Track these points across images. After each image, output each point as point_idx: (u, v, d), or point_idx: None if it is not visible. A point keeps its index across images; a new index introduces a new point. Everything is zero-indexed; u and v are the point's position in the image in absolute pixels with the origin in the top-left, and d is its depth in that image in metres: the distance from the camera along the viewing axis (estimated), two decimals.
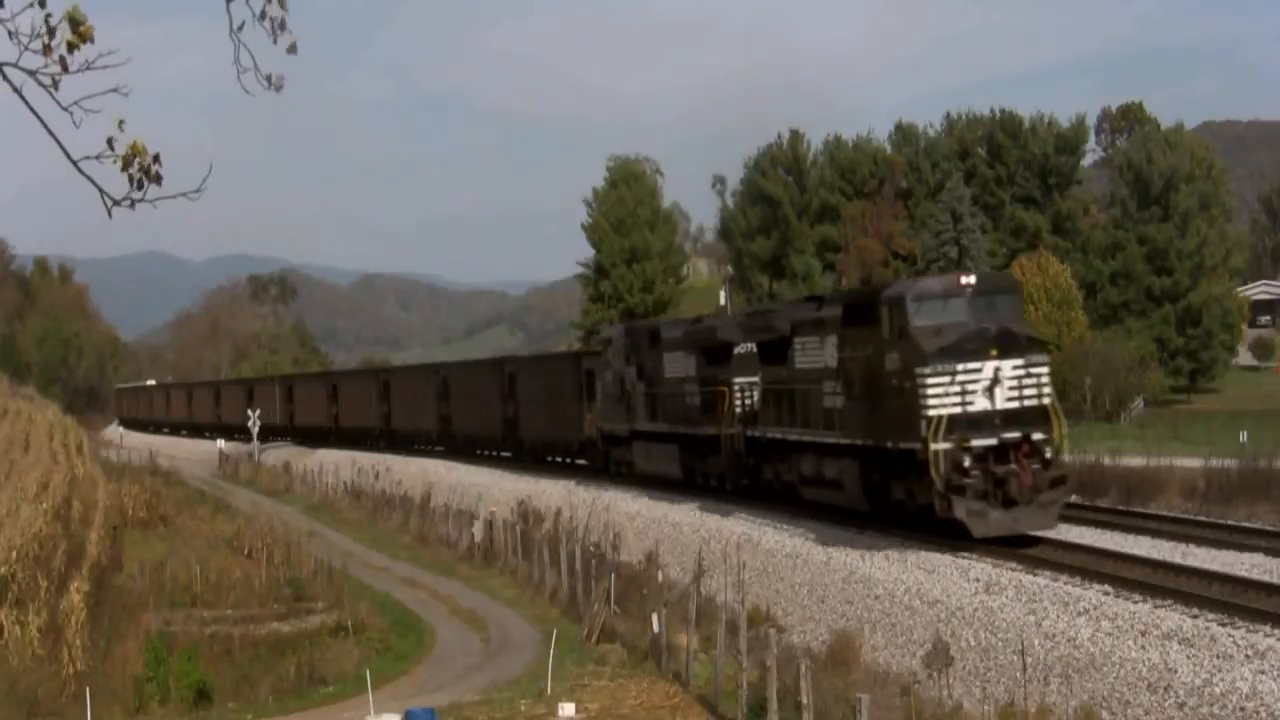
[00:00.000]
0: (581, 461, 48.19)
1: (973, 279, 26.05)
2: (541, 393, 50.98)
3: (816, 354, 29.07)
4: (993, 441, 24.21)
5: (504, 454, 56.34)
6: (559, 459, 50.77)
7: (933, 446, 24.00)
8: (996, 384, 24.45)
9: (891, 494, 26.74)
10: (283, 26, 6.45)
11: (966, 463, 24.02)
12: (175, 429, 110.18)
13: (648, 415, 39.35)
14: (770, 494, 33.03)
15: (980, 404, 24.40)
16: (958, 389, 24.35)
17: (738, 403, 33.84)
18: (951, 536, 25.15)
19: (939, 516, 24.55)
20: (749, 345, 33.74)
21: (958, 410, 24.24)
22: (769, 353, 32.05)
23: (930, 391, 24.35)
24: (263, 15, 6.41)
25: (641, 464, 40.61)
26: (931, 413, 24.21)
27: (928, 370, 24.47)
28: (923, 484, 24.77)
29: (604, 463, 44.31)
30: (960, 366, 24.44)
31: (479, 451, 58.86)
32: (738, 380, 33.94)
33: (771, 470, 32.55)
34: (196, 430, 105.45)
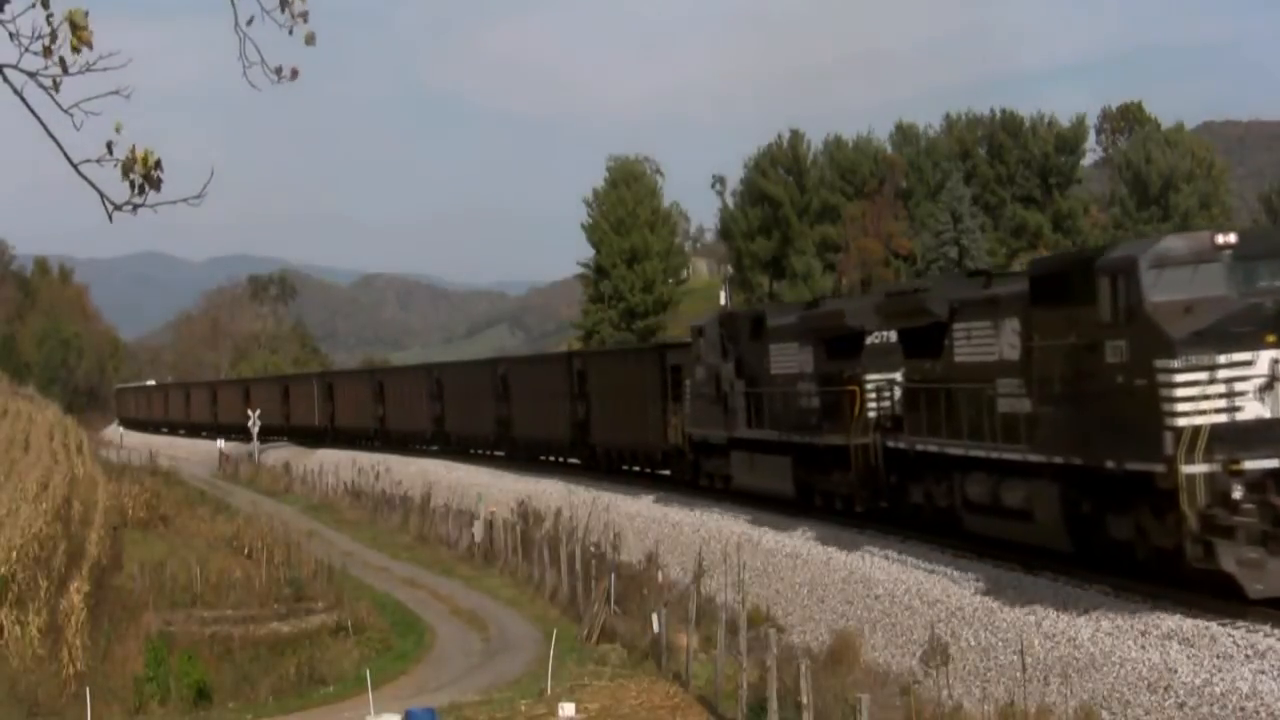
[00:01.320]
0: (664, 473, 41.95)
1: (1233, 237, 19.50)
2: (617, 392, 44.47)
3: (988, 343, 23.06)
4: (1274, 464, 18.11)
5: (572, 461, 49.92)
6: (637, 469, 44.71)
7: (1184, 469, 17.89)
8: (1277, 381, 18.36)
9: (1109, 532, 20.35)
10: (305, 18, 6.38)
11: (1236, 493, 17.96)
12: (174, 429, 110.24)
13: (750, 420, 33.16)
14: (917, 521, 26.57)
15: (1254, 410, 18.28)
16: (1220, 389, 18.25)
17: (871, 405, 27.73)
18: (952, 536, 25.16)
19: (1192, 566, 18.43)
20: (887, 333, 27.99)
21: (1222, 419, 18.15)
22: (917, 342, 25.97)
23: (1180, 393, 18.22)
24: (283, 4, 6.31)
25: (742, 478, 34.18)
26: (1182, 421, 18.08)
27: (1176, 363, 18.29)
28: (1164, 522, 18.82)
29: (693, 475, 38.11)
30: (1224, 358, 18.30)
31: (542, 458, 52.38)
32: (871, 377, 27.83)
33: (921, 492, 26.13)
34: (194, 430, 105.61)
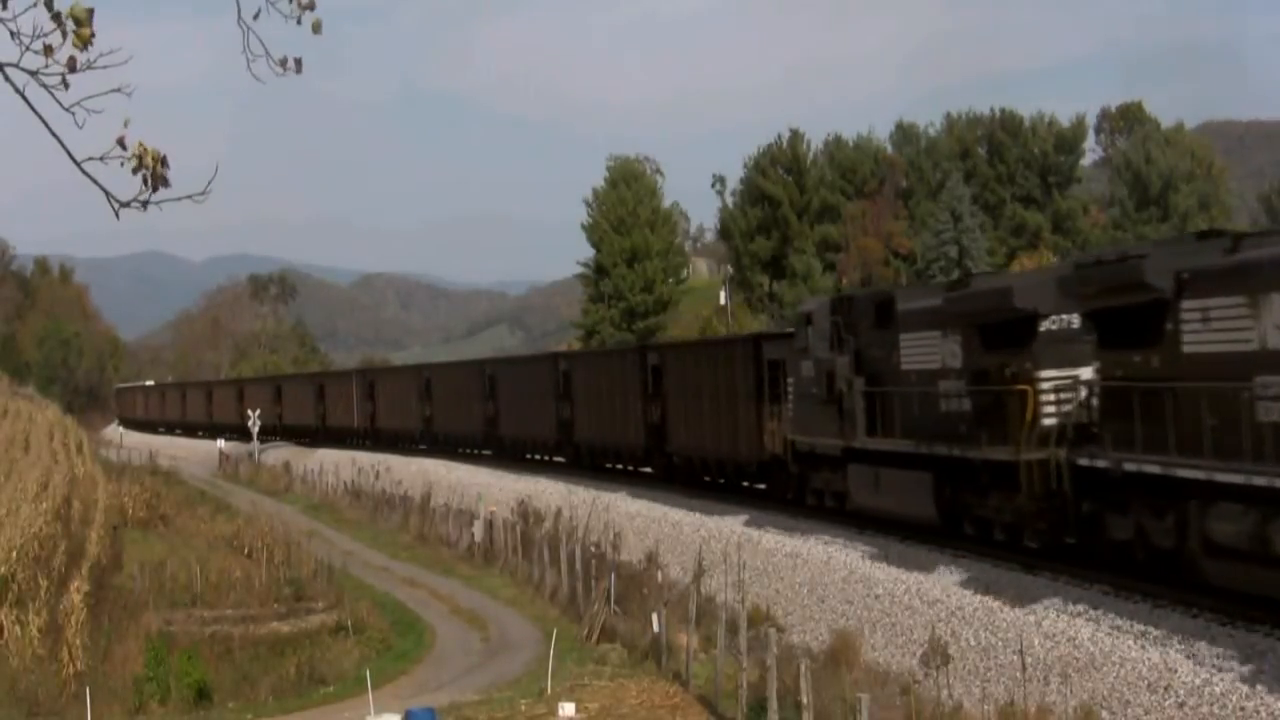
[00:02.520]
0: (759, 487, 35.77)
1: None
2: (700, 392, 37.99)
3: (1240, 329, 17.62)
4: None
5: (645, 470, 43.58)
6: (725, 481, 38.10)
7: None
8: None
9: None
10: (311, 7, 6.36)
11: None
12: (170, 429, 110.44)
13: (873, 426, 27.57)
14: (1125, 562, 20.59)
15: None
16: None
17: (1048, 410, 21.93)
18: (951, 536, 25.16)
19: None
20: (1069, 317, 22.41)
21: None
22: (1119, 327, 20.48)
23: None
24: None
25: (862, 498, 28.42)
26: None
27: None
28: None
29: (797, 492, 32.30)
30: None
31: (609, 465, 46.55)
32: (1049, 374, 22.18)
33: (1128, 526, 20.25)
34: (189, 430, 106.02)
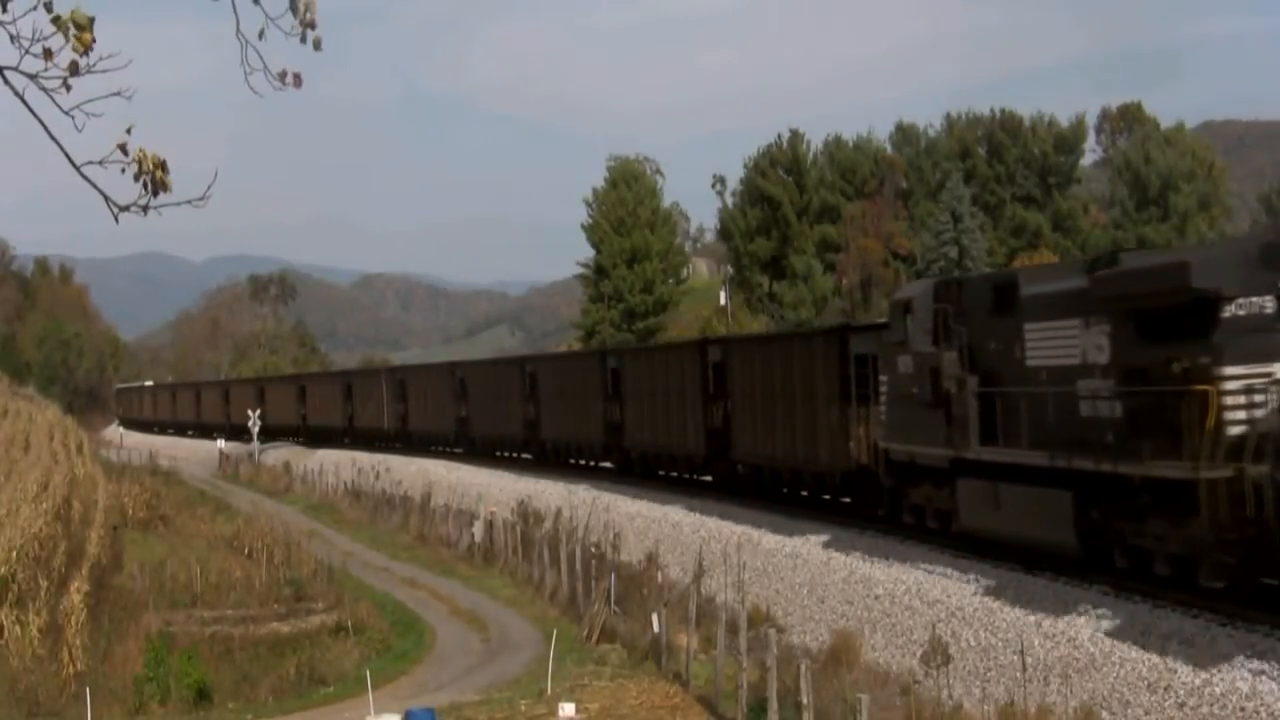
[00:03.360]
0: (840, 499, 31.67)
1: None
2: (772, 392, 33.56)
3: None
4: None
5: (703, 478, 39.35)
6: (804, 493, 33.37)
7: None
8: None
9: None
10: (313, 25, 6.37)
11: None
12: (181, 430, 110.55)
13: (990, 433, 23.30)
14: None
15: None
16: None
17: (1236, 417, 17.88)
18: (950, 536, 25.16)
19: None
20: (1262, 300, 18.40)
21: None
22: None
23: None
24: (294, 8, 6.28)
25: (975, 519, 23.85)
26: None
27: None
28: None
29: (890, 508, 27.85)
30: None
31: (663, 473, 42.56)
32: (1236, 371, 18.10)
33: None
34: (181, 429, 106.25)
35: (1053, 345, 21.78)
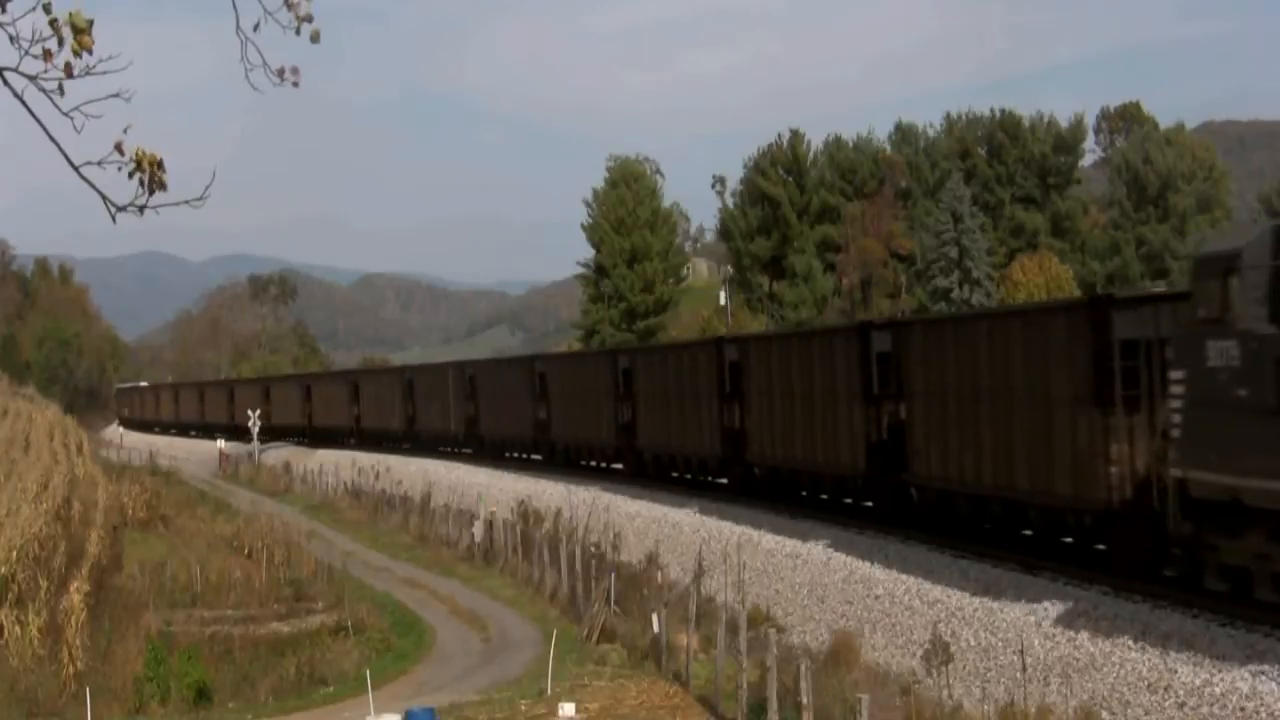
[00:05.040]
0: (1099, 548, 22.12)
1: None
2: (974, 393, 24.48)
3: None
4: None
5: (866, 504, 30.16)
6: (1044, 534, 23.59)
7: None
8: None
9: None
10: (309, 19, 6.38)
11: None
12: (166, 429, 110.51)
13: None
14: None
15: None
16: None
17: None
18: (951, 536, 25.16)
19: None
20: None
21: None
22: None
23: None
24: (288, 4, 6.30)
25: None
26: None
27: None
28: None
29: (1188, 565, 18.50)
30: None
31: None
32: None
33: None
34: (184, 430, 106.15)
35: None
